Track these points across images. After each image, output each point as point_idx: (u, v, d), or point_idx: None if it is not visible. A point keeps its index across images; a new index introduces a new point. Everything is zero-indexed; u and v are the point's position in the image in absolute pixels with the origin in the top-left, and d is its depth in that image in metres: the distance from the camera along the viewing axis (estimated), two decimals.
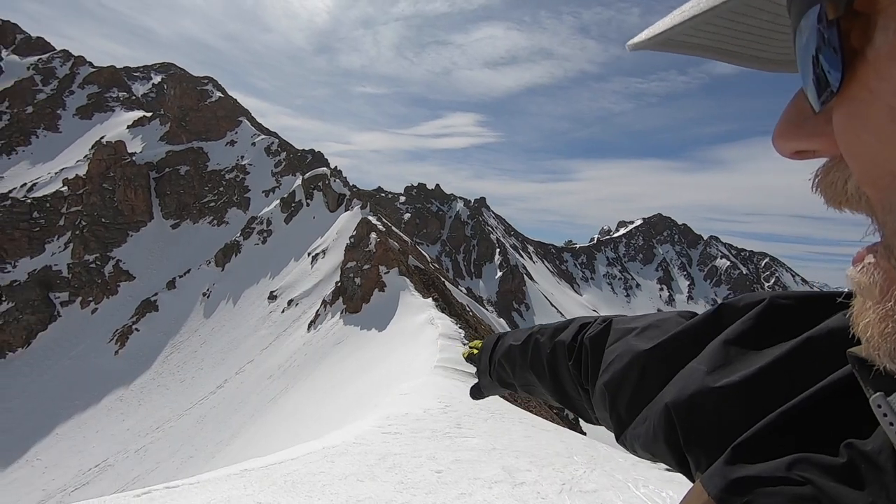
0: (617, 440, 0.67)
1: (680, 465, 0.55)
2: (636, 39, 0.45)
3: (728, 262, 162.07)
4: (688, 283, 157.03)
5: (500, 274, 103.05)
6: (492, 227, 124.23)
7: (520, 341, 1.01)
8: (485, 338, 1.24)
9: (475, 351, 1.25)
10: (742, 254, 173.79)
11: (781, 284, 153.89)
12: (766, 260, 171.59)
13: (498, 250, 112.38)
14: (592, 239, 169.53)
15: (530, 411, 10.35)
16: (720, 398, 0.48)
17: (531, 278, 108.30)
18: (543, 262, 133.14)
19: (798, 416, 0.41)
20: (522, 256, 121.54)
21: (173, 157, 49.98)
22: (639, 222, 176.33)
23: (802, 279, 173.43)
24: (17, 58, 58.37)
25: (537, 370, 0.94)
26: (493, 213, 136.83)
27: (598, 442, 6.96)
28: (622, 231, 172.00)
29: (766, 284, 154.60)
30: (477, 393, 1.25)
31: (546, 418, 10.96)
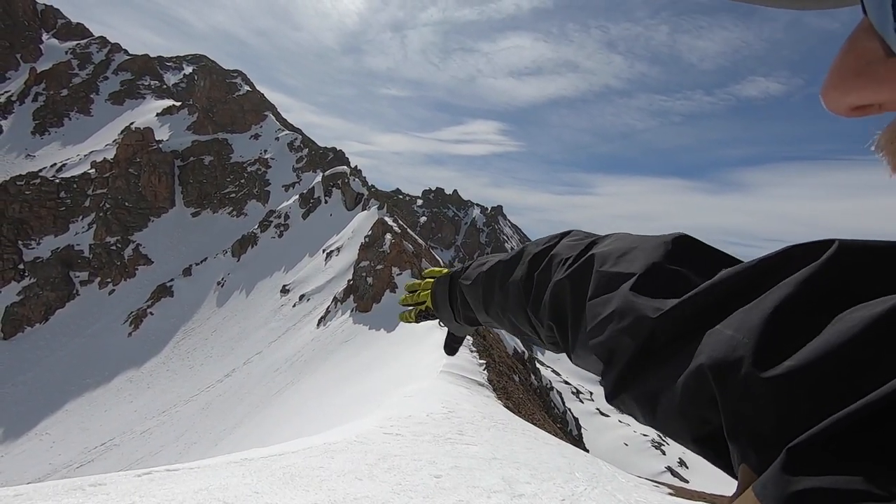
0: (609, 400, 0.56)
1: (702, 444, 0.43)
2: None
3: None
4: None
5: None
6: (507, 236, 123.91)
7: (470, 281, 0.90)
8: (431, 282, 1.07)
9: (423, 293, 1.10)
10: None
11: None
12: None
13: None
14: None
15: (534, 423, 10.24)
16: (779, 388, 0.34)
17: None
18: None
19: (876, 415, 0.28)
20: None
21: (198, 147, 50.90)
22: None
23: None
24: (56, 42, 60.25)
25: (491, 312, 0.85)
26: (510, 221, 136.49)
27: (600, 460, 6.85)
28: None
29: None
30: (453, 346, 1.11)
31: (550, 432, 10.84)
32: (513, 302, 0.77)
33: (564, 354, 0.74)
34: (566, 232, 0.78)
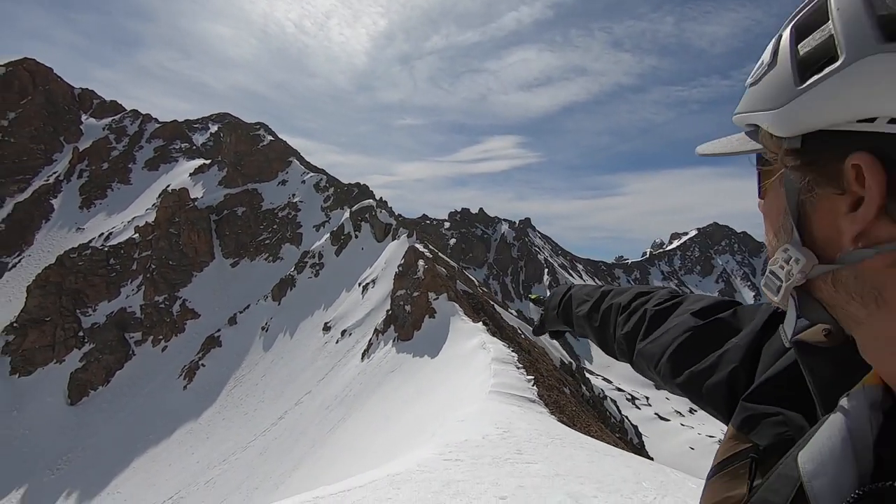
0: (669, 382, 0.86)
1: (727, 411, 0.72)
2: (703, 149, 0.64)
3: None
4: (753, 293, 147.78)
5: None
6: (538, 248, 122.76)
7: (591, 299, 1.21)
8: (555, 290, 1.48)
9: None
10: None
11: None
12: None
13: (546, 270, 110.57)
14: (644, 253, 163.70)
15: (591, 435, 9.98)
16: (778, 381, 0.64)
17: None
18: (595, 279, 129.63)
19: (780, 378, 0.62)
20: (572, 275, 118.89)
21: (231, 200, 53.08)
22: (693, 233, 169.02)
23: None
24: (94, 120, 64.63)
25: (595, 326, 1.16)
26: (539, 232, 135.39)
27: (667, 467, 6.61)
28: (676, 243, 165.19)
29: None
30: (539, 329, 1.49)
31: (609, 442, 10.53)
32: (612, 316, 1.12)
33: (615, 362, 1.09)
34: (649, 292, 1.10)
